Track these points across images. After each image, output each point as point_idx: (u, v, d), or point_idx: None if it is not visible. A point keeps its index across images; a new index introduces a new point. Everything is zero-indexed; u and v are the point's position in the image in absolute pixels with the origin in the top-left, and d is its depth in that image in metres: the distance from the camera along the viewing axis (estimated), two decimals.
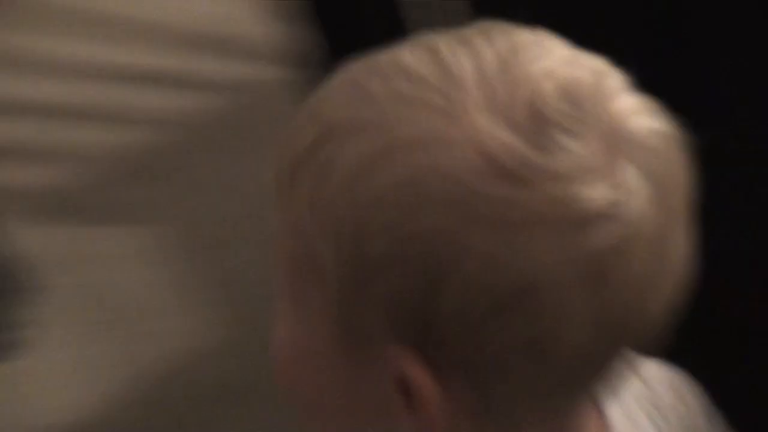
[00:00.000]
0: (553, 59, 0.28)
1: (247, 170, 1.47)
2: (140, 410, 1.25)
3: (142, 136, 1.60)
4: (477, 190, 0.25)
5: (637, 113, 0.28)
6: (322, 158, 0.27)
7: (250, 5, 1.67)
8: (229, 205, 1.48)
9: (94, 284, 1.37)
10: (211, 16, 1.78)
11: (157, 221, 1.47)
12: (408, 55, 0.28)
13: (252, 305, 1.30)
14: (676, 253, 0.28)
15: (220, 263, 1.40)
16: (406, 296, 0.27)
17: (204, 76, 1.71)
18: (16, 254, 1.30)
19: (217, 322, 1.35)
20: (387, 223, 0.26)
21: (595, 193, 0.26)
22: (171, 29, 1.76)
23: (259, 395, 1.21)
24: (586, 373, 0.29)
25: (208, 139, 1.60)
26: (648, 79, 0.31)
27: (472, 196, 0.25)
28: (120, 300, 1.38)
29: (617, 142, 0.27)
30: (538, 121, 0.26)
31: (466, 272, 0.26)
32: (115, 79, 1.68)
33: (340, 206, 0.27)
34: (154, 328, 1.33)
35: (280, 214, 0.29)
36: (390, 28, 1.07)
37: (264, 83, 1.63)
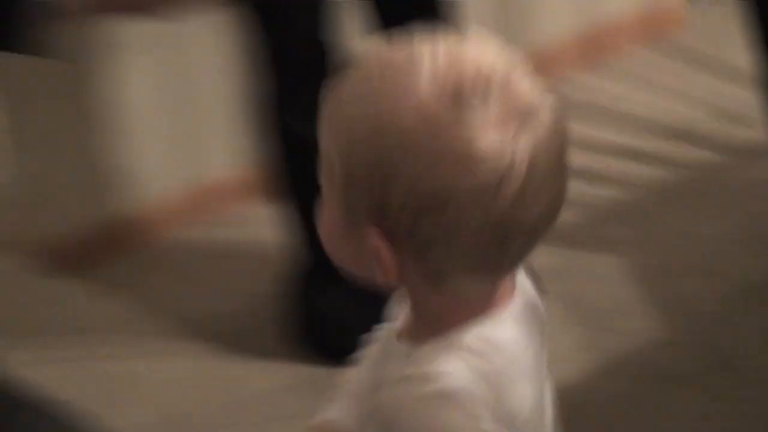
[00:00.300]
0: (482, 52, 0.45)
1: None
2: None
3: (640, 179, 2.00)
4: (415, 130, 0.41)
5: (530, 92, 0.44)
6: (338, 113, 0.46)
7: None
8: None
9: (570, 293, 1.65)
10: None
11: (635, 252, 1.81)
12: (395, 50, 0.46)
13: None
14: (547, 189, 0.44)
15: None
16: (372, 193, 0.43)
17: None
18: None
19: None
20: (362, 146, 0.43)
21: (487, 140, 0.41)
22: None
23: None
24: (488, 254, 0.45)
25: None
26: None
27: (411, 134, 0.41)
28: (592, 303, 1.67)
29: (512, 108, 0.42)
30: (460, 91, 0.41)
31: (403, 183, 0.42)
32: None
33: (342, 135, 0.45)
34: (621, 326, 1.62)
35: (323, 143, 0.47)
36: None
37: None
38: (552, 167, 0.44)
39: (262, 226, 1.78)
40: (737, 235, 1.77)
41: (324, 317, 1.55)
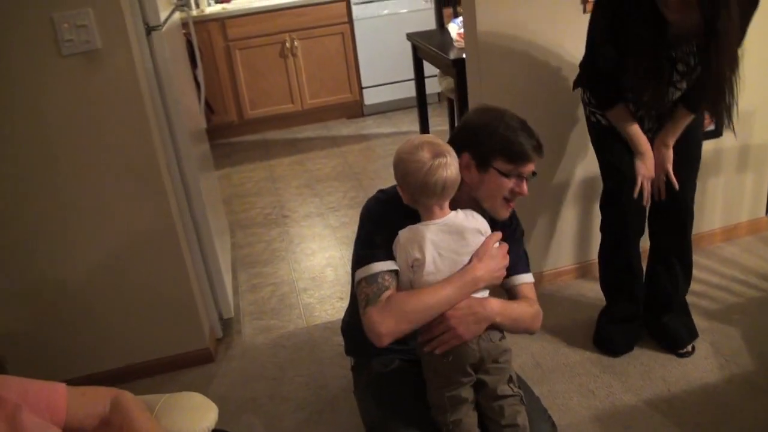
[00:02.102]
0: (438, 145, 1.69)
1: None
2: None
3: None
4: (415, 168, 1.66)
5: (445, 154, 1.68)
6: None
7: None
8: None
9: None
10: None
11: None
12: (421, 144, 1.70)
13: None
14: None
15: None
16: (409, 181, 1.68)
17: None
18: None
19: None
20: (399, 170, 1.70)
21: (432, 160, 1.65)
22: None
23: None
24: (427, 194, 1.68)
25: None
26: None
27: (412, 166, 1.66)
28: None
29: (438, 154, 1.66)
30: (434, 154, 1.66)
31: (409, 179, 1.67)
32: None
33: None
34: None
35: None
36: None
37: None
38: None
39: None
40: None
41: None
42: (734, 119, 2.13)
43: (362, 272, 1.71)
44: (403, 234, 1.70)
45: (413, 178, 1.66)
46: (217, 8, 5.31)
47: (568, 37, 2.75)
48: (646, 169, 2.34)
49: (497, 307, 1.74)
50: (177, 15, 3.15)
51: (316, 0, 5.32)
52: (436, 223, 1.70)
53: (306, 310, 3.11)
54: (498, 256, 1.74)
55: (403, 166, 1.69)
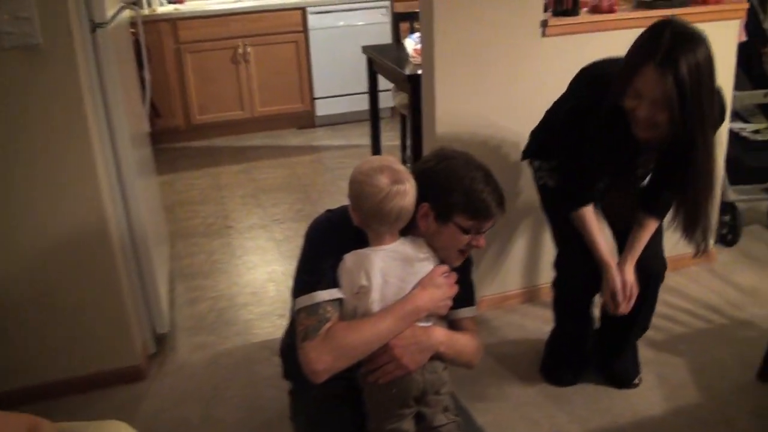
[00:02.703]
0: (398, 171, 1.64)
1: None
2: None
3: None
4: (371, 192, 1.61)
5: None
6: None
7: None
8: None
9: None
10: None
11: None
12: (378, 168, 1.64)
13: None
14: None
15: None
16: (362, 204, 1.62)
17: None
18: None
19: None
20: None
21: (390, 187, 1.60)
22: None
23: None
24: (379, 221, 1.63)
25: None
26: None
27: (368, 189, 1.61)
28: None
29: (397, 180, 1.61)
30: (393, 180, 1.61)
31: (363, 203, 1.61)
32: None
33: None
34: None
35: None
36: None
37: None
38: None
39: None
40: None
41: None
42: (709, 239, 2.12)
43: (303, 301, 1.62)
44: (350, 258, 1.63)
45: (368, 203, 1.59)
46: (169, 8, 5.15)
47: (525, 61, 2.71)
48: (612, 281, 2.22)
49: (442, 336, 1.69)
50: (126, 13, 3.03)
51: (271, 6, 5.22)
52: (384, 249, 1.64)
53: (245, 326, 2.99)
54: (444, 286, 1.68)
55: (358, 187, 1.61)
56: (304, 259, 1.69)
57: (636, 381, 2.51)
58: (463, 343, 1.76)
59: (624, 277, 2.22)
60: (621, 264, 2.24)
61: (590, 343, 2.54)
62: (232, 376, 2.65)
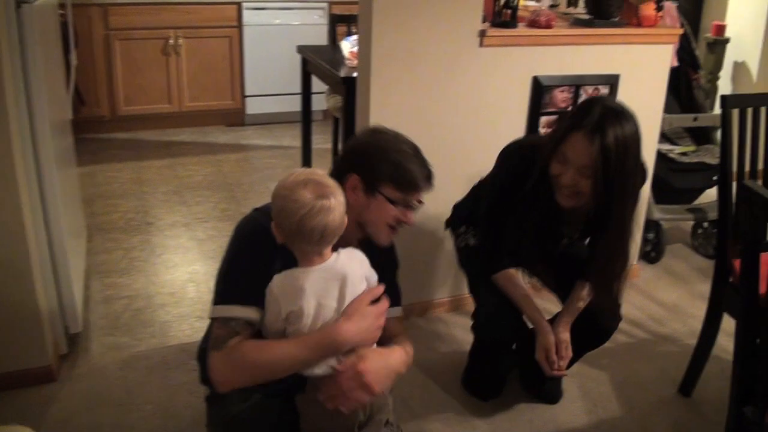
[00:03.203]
0: (324, 185, 1.53)
1: None
2: None
3: None
4: (292, 209, 1.50)
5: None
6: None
7: None
8: None
9: None
10: None
11: None
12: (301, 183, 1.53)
13: None
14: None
15: None
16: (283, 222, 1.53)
17: None
18: None
19: None
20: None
21: (313, 202, 1.50)
22: None
23: None
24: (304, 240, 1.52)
25: None
26: None
27: (289, 206, 1.51)
28: None
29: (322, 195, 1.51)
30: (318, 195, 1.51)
31: (284, 220, 1.52)
32: None
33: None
34: None
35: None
36: None
37: None
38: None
39: None
40: None
41: None
42: (618, 310, 2.22)
43: (219, 311, 1.56)
44: (277, 283, 1.53)
45: (288, 220, 1.49)
46: None
47: (462, 70, 2.70)
48: (546, 341, 2.15)
49: (401, 356, 1.68)
50: None
51: None
52: (315, 269, 1.54)
53: (162, 328, 2.87)
54: (370, 315, 1.58)
55: (280, 203, 1.51)
56: (228, 264, 1.61)
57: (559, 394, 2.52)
58: (409, 358, 1.74)
59: (558, 336, 2.15)
60: (556, 324, 2.18)
61: (510, 360, 2.52)
62: (147, 380, 2.53)
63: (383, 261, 1.75)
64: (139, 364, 2.62)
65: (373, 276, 1.64)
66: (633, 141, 1.89)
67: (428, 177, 1.70)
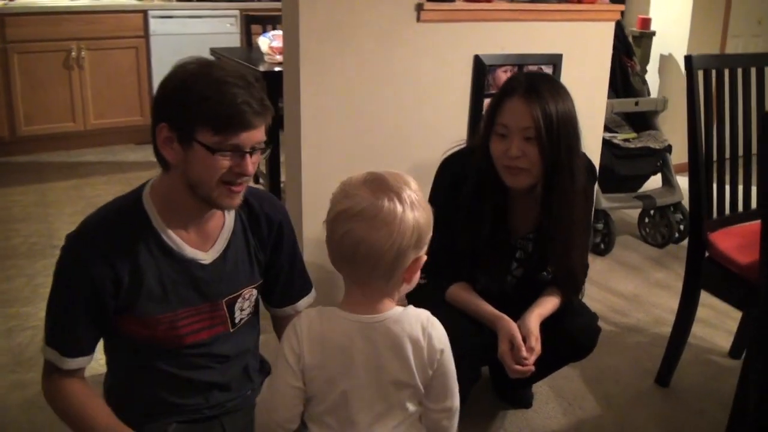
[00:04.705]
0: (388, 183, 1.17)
1: None
2: None
3: None
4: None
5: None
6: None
7: None
8: None
9: None
10: None
11: None
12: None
13: None
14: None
15: None
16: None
17: None
18: None
19: None
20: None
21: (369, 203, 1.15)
22: None
23: None
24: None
25: None
26: None
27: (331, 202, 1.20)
28: None
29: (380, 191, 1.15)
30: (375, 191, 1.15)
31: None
32: None
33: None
34: None
35: None
36: None
37: None
38: None
39: None
40: None
41: None
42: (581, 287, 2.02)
43: (50, 354, 1.38)
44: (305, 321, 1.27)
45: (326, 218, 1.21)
46: None
47: (400, 47, 2.47)
48: (510, 331, 1.77)
49: None
50: None
51: (109, 7, 4.72)
52: (350, 318, 1.22)
53: None
54: None
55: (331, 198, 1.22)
56: (48, 309, 1.39)
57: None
58: None
59: (526, 326, 1.77)
60: (523, 316, 1.81)
61: (473, 373, 2.16)
62: (56, 419, 2.15)
63: (277, 240, 1.51)
64: (46, 403, 2.24)
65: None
66: (568, 98, 1.76)
67: (259, 109, 1.26)
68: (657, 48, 4.75)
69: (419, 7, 2.45)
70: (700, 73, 2.15)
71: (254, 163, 1.31)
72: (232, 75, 1.27)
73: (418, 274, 1.20)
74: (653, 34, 4.62)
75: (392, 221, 1.12)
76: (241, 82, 1.26)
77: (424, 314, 1.23)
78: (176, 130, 1.27)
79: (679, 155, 3.99)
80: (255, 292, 1.52)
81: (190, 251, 1.39)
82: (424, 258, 1.19)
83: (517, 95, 1.74)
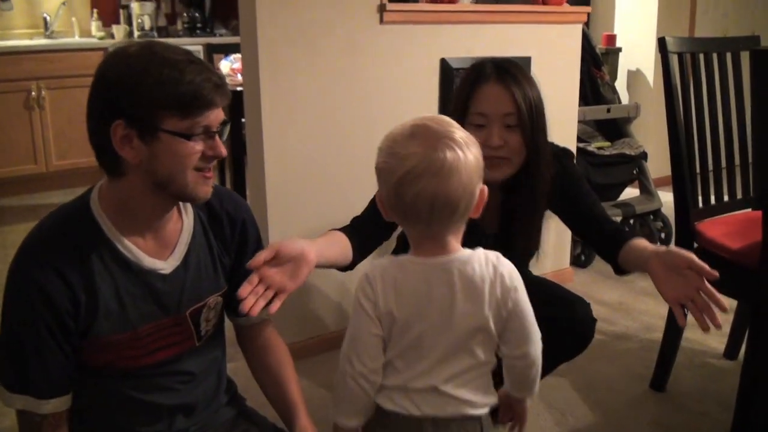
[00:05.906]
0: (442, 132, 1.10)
1: None
2: None
3: None
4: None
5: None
6: None
7: None
8: None
9: None
10: None
11: None
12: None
13: None
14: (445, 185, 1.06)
15: None
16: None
17: None
18: None
19: None
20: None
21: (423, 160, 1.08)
22: None
23: None
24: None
25: None
26: None
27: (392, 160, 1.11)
28: None
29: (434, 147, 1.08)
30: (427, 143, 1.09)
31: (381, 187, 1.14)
32: None
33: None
34: None
35: None
36: None
37: None
38: None
39: None
40: None
41: None
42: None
43: (24, 403, 1.20)
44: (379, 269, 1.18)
45: (386, 186, 1.13)
46: None
47: (363, 50, 2.38)
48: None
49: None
50: None
51: (70, 45, 4.63)
52: (423, 262, 1.15)
53: None
54: None
55: (379, 160, 1.15)
56: (6, 346, 1.19)
57: None
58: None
59: (680, 252, 1.45)
60: (667, 250, 1.48)
61: None
62: None
63: (242, 240, 1.38)
64: None
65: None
66: (534, 81, 1.67)
67: (218, 85, 1.15)
68: (624, 64, 4.74)
69: (382, 8, 2.37)
70: (675, 57, 2.08)
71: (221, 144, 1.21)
72: (179, 53, 1.13)
73: (483, 204, 1.14)
74: (619, 50, 4.60)
75: (458, 167, 1.07)
76: (192, 57, 1.14)
77: (492, 254, 1.16)
78: (135, 125, 1.11)
79: (657, 168, 3.94)
80: (220, 299, 1.37)
81: (149, 261, 1.22)
82: (486, 188, 1.13)
83: (491, 81, 1.62)
